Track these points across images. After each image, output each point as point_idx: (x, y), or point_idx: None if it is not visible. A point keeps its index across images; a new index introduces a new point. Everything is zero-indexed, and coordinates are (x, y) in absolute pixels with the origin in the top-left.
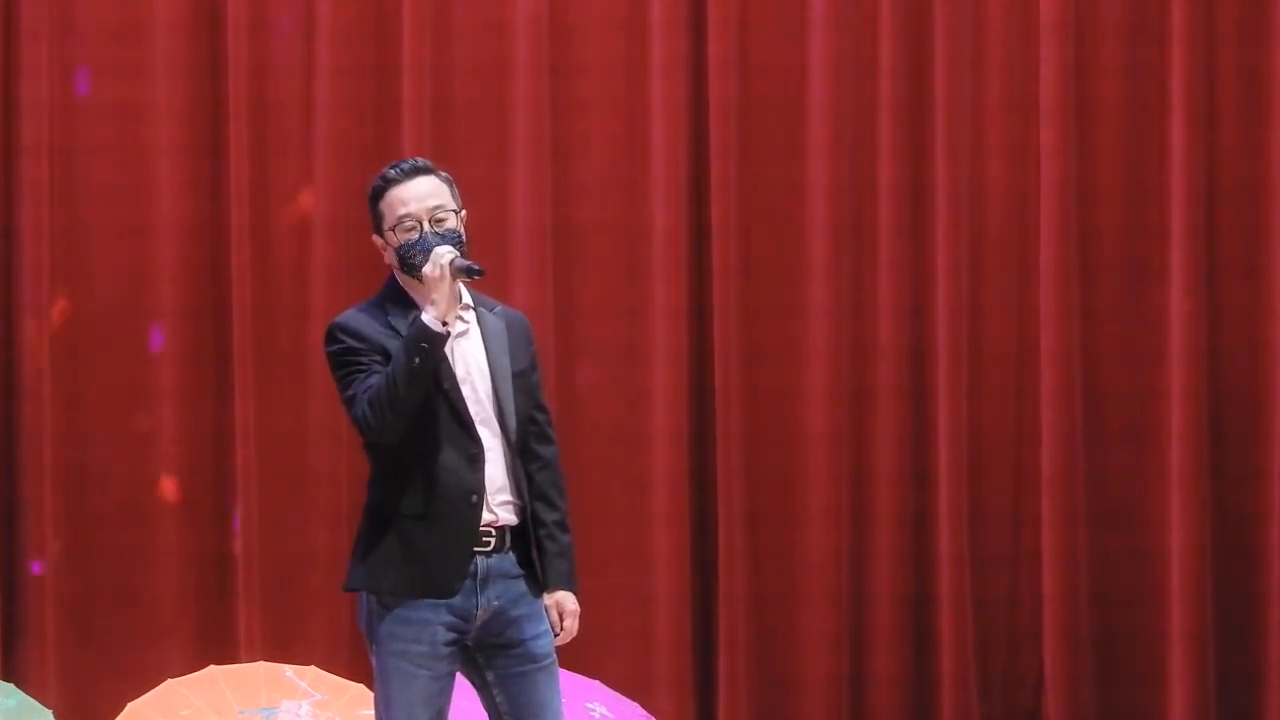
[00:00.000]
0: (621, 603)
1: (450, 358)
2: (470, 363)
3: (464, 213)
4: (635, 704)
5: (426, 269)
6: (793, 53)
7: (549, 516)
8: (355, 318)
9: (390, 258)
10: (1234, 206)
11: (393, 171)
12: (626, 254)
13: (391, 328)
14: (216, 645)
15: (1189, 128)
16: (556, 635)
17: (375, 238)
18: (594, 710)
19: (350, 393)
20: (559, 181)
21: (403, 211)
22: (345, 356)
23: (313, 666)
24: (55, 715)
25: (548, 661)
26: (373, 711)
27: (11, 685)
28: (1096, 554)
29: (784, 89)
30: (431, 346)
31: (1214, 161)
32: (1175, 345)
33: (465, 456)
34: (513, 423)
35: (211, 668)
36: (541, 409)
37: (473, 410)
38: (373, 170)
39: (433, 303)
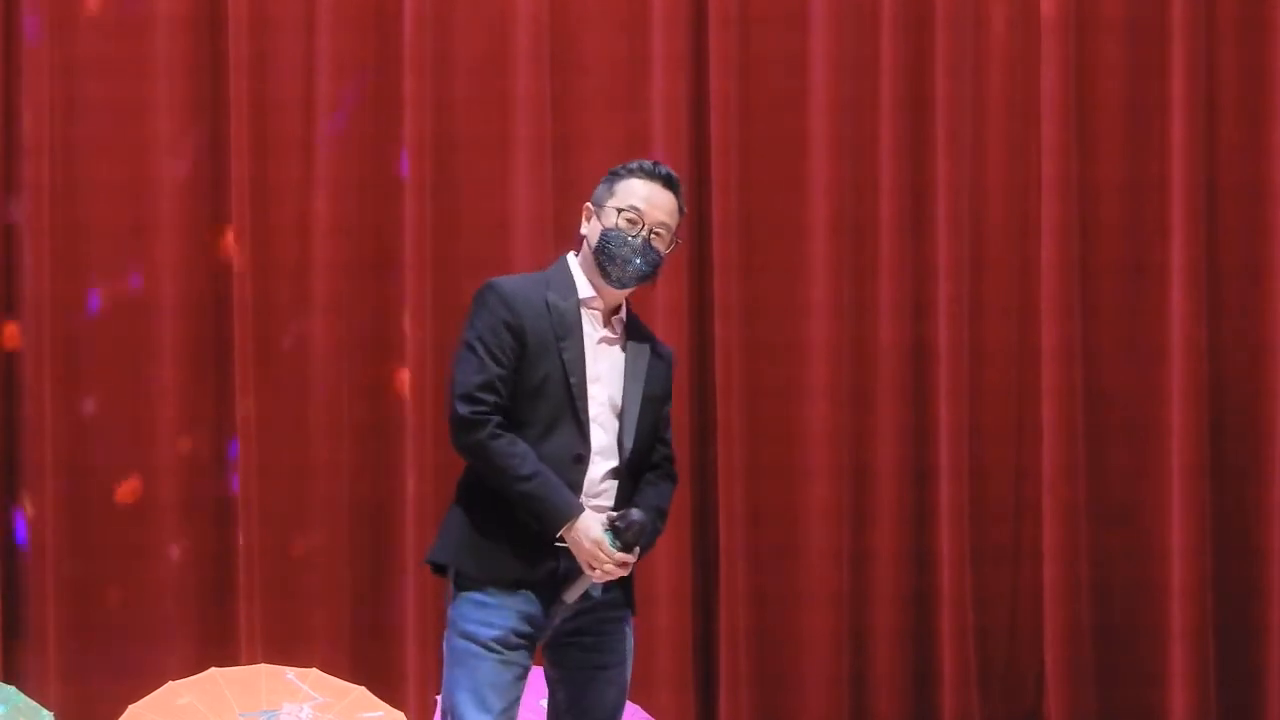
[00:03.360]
0: None
1: (591, 356)
2: (607, 370)
3: (676, 244)
4: (636, 706)
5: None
6: (793, 49)
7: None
8: (516, 284)
9: (591, 233)
10: (1234, 203)
11: (650, 166)
12: None
13: (547, 305)
14: (217, 645)
15: (1189, 124)
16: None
17: (589, 205)
18: None
19: (461, 376)
20: (559, 177)
21: (636, 203)
22: (478, 326)
23: (314, 669)
24: (55, 715)
25: (617, 660)
26: (374, 714)
27: (12, 688)
28: (1097, 551)
29: (785, 85)
30: (543, 526)
31: (1214, 158)
32: (1176, 342)
33: (571, 454)
34: (630, 441)
35: (212, 670)
36: (664, 442)
37: (593, 411)
38: (374, 167)
39: (573, 544)
